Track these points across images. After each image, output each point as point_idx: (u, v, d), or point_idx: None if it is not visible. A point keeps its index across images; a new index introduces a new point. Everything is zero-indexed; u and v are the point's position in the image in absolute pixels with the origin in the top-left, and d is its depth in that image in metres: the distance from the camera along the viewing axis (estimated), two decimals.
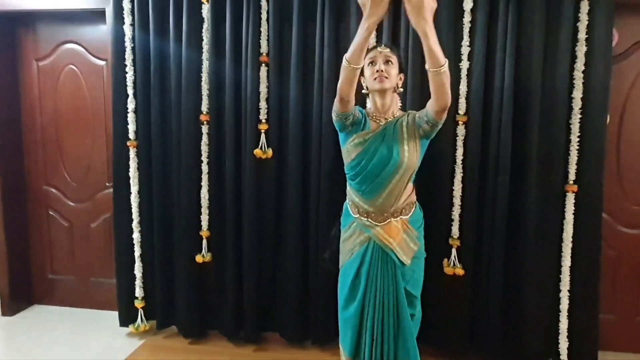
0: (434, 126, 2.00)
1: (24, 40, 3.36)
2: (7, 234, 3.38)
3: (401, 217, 2.07)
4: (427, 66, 1.82)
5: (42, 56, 3.35)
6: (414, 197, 2.15)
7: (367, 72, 2.05)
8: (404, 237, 2.06)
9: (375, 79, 2.00)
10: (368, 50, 2.01)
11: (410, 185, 2.11)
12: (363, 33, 1.79)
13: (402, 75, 2.11)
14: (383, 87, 2.01)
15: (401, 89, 2.13)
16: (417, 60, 2.61)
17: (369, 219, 2.06)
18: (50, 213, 3.51)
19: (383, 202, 2.04)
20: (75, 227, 3.49)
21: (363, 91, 2.14)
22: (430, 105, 1.94)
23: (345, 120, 2.03)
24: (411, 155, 2.01)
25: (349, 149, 2.06)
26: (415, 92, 2.65)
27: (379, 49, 2.04)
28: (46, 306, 3.59)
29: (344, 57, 1.88)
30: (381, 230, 2.05)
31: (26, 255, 3.54)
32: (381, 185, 2.01)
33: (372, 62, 2.03)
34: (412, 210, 2.13)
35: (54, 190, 3.48)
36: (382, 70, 1.98)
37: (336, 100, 1.98)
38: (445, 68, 1.80)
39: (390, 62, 2.03)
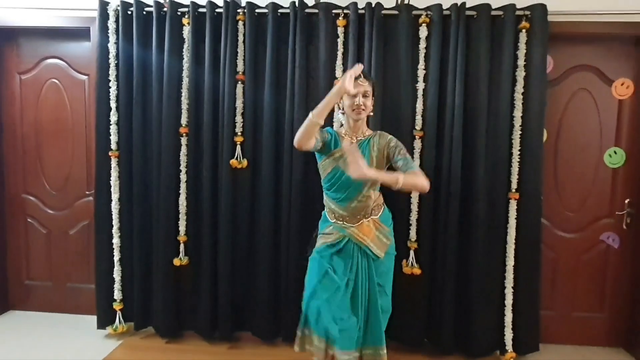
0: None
1: (8, 55, 3.50)
2: None
3: (372, 217, 2.35)
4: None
5: (25, 70, 3.50)
6: (381, 200, 2.45)
7: (346, 101, 2.31)
8: (376, 234, 2.33)
9: (354, 110, 2.29)
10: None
11: (377, 190, 2.41)
12: (334, 98, 2.12)
13: (374, 99, 2.39)
14: (360, 118, 2.34)
15: (372, 113, 2.43)
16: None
17: (344, 222, 2.34)
18: (29, 220, 3.62)
19: (355, 206, 2.32)
20: (53, 234, 3.61)
21: (339, 111, 2.45)
22: (411, 182, 2.21)
23: (313, 148, 2.29)
24: (378, 166, 2.31)
25: (325, 165, 2.34)
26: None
27: (359, 81, 2.27)
28: (22, 311, 3.67)
29: (311, 112, 2.13)
30: (356, 230, 2.32)
31: (3, 261, 3.63)
32: (353, 194, 2.29)
33: (351, 94, 2.25)
34: (381, 211, 2.42)
35: (32, 199, 3.60)
36: (360, 105, 2.28)
37: (295, 144, 2.23)
38: (400, 183, 2.11)
39: (367, 95, 2.31)
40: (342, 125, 2.51)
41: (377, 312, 2.29)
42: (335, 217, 2.38)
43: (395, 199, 2.99)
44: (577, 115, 3.17)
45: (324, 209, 2.51)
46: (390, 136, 2.39)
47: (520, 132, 2.91)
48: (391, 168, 2.41)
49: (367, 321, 2.29)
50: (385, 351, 2.31)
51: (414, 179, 2.18)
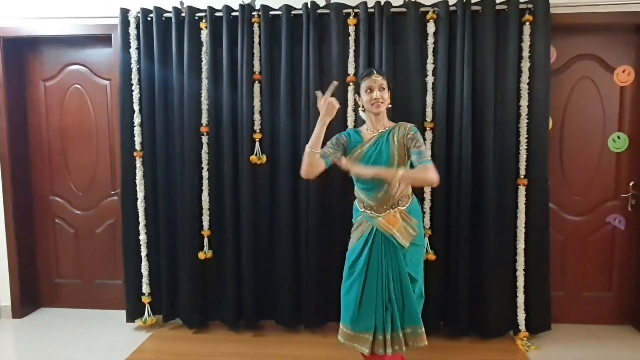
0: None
1: (32, 63, 3.66)
2: (17, 242, 3.63)
3: (398, 207, 2.40)
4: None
5: (49, 77, 3.66)
6: (408, 190, 2.47)
7: (364, 97, 2.42)
8: (402, 225, 2.37)
9: (372, 104, 2.39)
10: (363, 77, 2.43)
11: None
12: (320, 127, 2.31)
13: (390, 92, 2.48)
14: (379, 111, 2.43)
15: (390, 105, 2.49)
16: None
17: (372, 211, 2.42)
18: (57, 221, 3.78)
19: (382, 196, 2.38)
20: (81, 233, 3.77)
21: (360, 109, 2.55)
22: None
23: (327, 166, 2.41)
24: (400, 159, 2.37)
25: (352, 158, 2.42)
26: None
27: (373, 77, 2.39)
28: (53, 308, 3.84)
29: (307, 145, 2.33)
30: (382, 220, 2.38)
31: (33, 261, 3.80)
32: (378, 183, 2.35)
33: (369, 89, 2.39)
34: (409, 202, 2.46)
35: (59, 200, 3.76)
36: (379, 98, 2.38)
37: (302, 176, 2.40)
38: (397, 178, 2.23)
39: (383, 88, 2.40)
40: (364, 122, 2.58)
41: (411, 295, 2.36)
42: (364, 206, 2.46)
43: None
44: (581, 103, 3.30)
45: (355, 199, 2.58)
46: (410, 125, 2.44)
47: (526, 121, 3.04)
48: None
49: (403, 304, 2.37)
50: (423, 330, 2.40)
51: (418, 174, 2.27)
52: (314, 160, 2.33)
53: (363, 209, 2.47)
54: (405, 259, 2.38)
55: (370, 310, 2.35)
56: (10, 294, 3.66)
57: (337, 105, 2.31)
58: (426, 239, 3.13)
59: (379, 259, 2.37)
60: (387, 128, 2.45)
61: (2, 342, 3.36)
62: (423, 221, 3.10)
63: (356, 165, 2.29)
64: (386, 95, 2.43)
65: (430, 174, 2.24)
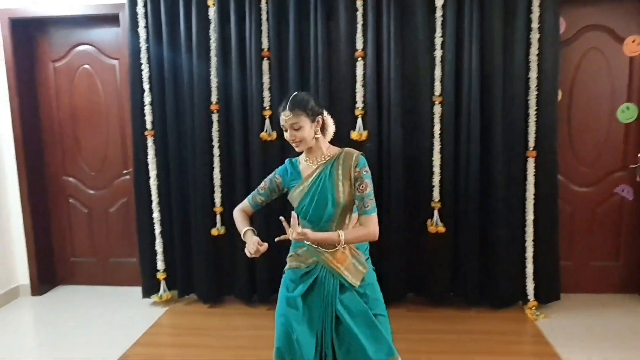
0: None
1: (41, 44, 3.67)
2: (33, 222, 3.70)
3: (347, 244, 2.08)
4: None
5: (58, 58, 3.68)
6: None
7: (285, 134, 2.04)
8: (352, 262, 2.09)
9: (292, 144, 2.03)
10: (279, 111, 2.03)
11: (355, 215, 2.12)
12: (242, 234, 2.10)
13: (319, 119, 2.04)
14: (302, 150, 2.06)
15: (320, 135, 2.04)
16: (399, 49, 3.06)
17: (319, 247, 2.08)
18: (70, 201, 3.84)
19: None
20: (94, 212, 3.84)
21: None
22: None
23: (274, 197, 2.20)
24: (347, 195, 2.03)
25: (294, 198, 2.10)
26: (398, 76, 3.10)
27: (283, 116, 2.00)
28: (70, 286, 3.93)
29: (234, 212, 2.25)
30: (330, 257, 2.06)
31: (50, 241, 3.88)
32: (326, 224, 2.05)
33: (284, 128, 2.03)
34: None
35: (72, 180, 3.82)
36: (294, 138, 2.00)
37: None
38: (342, 244, 1.93)
39: (299, 127, 1.99)
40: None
41: (357, 337, 2.02)
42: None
43: (417, 163, 3.18)
44: (590, 74, 3.30)
45: None
46: (357, 156, 2.05)
47: (535, 93, 3.05)
48: None
49: (347, 350, 2.04)
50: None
51: (361, 234, 1.98)
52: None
53: (309, 243, 2.08)
54: (363, 299, 2.08)
55: (305, 351, 2.03)
56: (29, 272, 3.74)
57: (262, 251, 2.01)
58: (435, 212, 3.17)
59: (321, 299, 2.06)
60: (327, 158, 2.07)
61: (23, 319, 3.46)
62: (432, 195, 3.16)
63: (301, 234, 1.88)
64: (304, 132, 1.99)
65: (371, 231, 1.97)
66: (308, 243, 2.10)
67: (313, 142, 2.05)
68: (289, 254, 2.22)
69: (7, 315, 3.47)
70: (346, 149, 2.09)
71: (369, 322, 2.05)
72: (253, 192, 2.22)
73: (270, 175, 2.18)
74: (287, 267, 2.21)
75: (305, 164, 2.09)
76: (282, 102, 2.03)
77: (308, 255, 2.11)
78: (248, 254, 1.99)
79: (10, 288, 3.71)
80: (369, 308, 2.07)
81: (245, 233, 2.11)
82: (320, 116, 2.07)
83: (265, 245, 2.00)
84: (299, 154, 2.10)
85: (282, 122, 2.02)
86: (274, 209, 2.83)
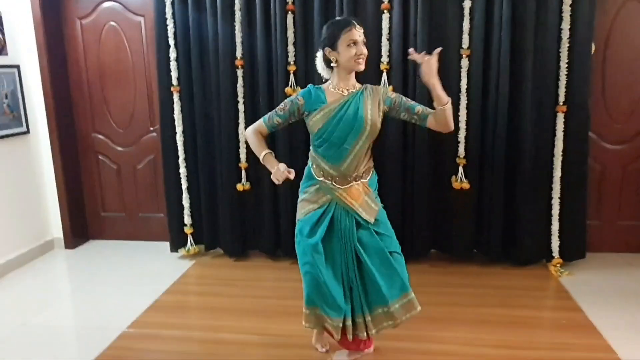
0: (413, 123, 2.18)
1: (67, 1, 3.69)
2: (64, 178, 3.81)
3: (362, 180, 2.14)
4: (435, 105, 2.05)
5: (84, 15, 3.70)
6: (371, 163, 2.22)
7: (346, 52, 2.03)
8: (365, 199, 2.13)
9: (356, 60, 2.04)
10: (342, 29, 2.02)
11: (370, 152, 2.19)
12: (261, 159, 2.16)
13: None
14: (362, 69, 2.09)
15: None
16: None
17: (333, 182, 2.12)
18: (100, 158, 3.93)
19: (347, 167, 2.09)
20: (123, 169, 3.92)
21: (332, 64, 2.09)
22: (431, 124, 2.09)
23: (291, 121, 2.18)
24: (374, 119, 2.07)
25: (315, 122, 2.09)
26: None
27: (356, 30, 2.02)
28: (101, 240, 4.07)
29: (247, 132, 2.24)
30: (344, 193, 2.10)
31: (81, 196, 3.99)
32: (347, 150, 2.07)
33: (353, 43, 2.02)
34: (370, 175, 2.20)
35: (101, 137, 3.89)
36: (365, 53, 2.05)
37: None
38: (449, 106, 2.03)
39: (365, 43, 2.07)
40: (325, 81, 2.20)
41: (373, 276, 2.11)
42: (324, 175, 2.14)
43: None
44: (627, 25, 3.17)
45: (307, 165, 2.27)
46: (380, 87, 2.20)
47: (567, 45, 2.95)
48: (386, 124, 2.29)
49: (365, 286, 2.14)
50: (411, 296, 2.15)
51: (450, 114, 2.06)
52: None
53: (322, 178, 2.14)
54: (374, 226, 2.15)
55: (335, 293, 2.11)
56: (62, 226, 3.88)
57: (291, 177, 2.05)
58: (460, 168, 3.15)
59: (340, 237, 2.13)
60: (356, 88, 2.14)
61: (58, 271, 3.62)
62: (458, 151, 3.12)
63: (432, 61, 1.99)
64: (366, 50, 2.08)
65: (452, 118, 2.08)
66: (320, 179, 2.14)
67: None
68: (299, 199, 2.26)
69: (43, 266, 3.63)
70: (366, 84, 2.16)
71: (385, 260, 2.14)
72: (270, 113, 2.18)
73: (291, 97, 2.17)
74: (299, 216, 2.25)
75: (333, 92, 2.11)
76: (339, 21, 2.08)
77: (321, 194, 2.16)
78: (275, 181, 2.04)
79: (46, 241, 3.86)
80: (385, 246, 2.15)
81: (264, 157, 2.14)
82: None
83: (293, 172, 2.05)
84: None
85: (352, 37, 2.01)
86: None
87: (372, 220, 2.13)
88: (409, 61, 3.09)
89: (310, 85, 2.17)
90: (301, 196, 2.25)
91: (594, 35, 3.01)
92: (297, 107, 2.12)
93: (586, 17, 2.92)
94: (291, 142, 3.27)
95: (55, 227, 3.90)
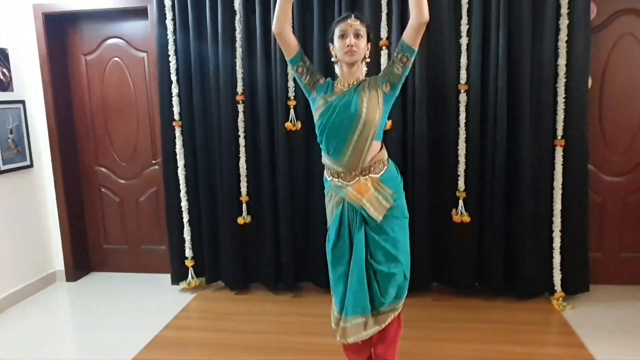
0: (407, 60, 2.06)
1: (72, 38, 3.78)
2: (67, 211, 3.83)
3: (370, 175, 2.12)
4: None
5: (89, 51, 3.78)
6: (383, 156, 2.18)
7: (337, 43, 2.10)
8: (374, 194, 2.10)
9: (345, 52, 2.07)
10: (338, 22, 2.13)
11: (377, 143, 2.15)
12: None
13: (369, 45, 2.16)
14: (353, 61, 2.10)
15: (368, 59, 2.19)
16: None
17: (340, 179, 2.14)
18: (103, 190, 3.97)
19: (349, 160, 2.09)
20: (125, 201, 3.95)
21: (332, 59, 2.21)
22: (407, 27, 2.04)
23: (300, 74, 2.19)
24: (370, 108, 2.06)
25: (316, 110, 2.15)
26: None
27: (349, 21, 2.07)
28: (103, 273, 4.07)
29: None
30: (351, 189, 2.11)
31: (83, 229, 4.02)
32: (344, 141, 2.07)
33: (343, 35, 2.07)
34: (384, 170, 2.16)
35: (104, 170, 3.93)
36: (352, 45, 2.05)
37: (273, 29, 2.15)
38: None
39: (360, 36, 2.08)
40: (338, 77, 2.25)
41: (362, 282, 2.12)
42: (332, 174, 2.18)
43: (442, 152, 3.16)
44: (623, 60, 3.21)
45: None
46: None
47: (564, 80, 2.98)
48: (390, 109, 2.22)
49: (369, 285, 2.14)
50: (361, 321, 2.14)
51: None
52: (286, 5, 2.08)
53: (331, 178, 2.19)
54: (382, 234, 2.13)
55: (335, 293, 2.24)
56: (64, 259, 3.89)
57: None
58: (460, 201, 3.15)
59: (347, 235, 2.17)
60: (359, 81, 2.15)
61: (59, 303, 3.62)
62: (457, 184, 3.13)
63: None
64: (362, 44, 2.10)
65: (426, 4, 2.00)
66: (330, 178, 2.20)
67: (359, 63, 2.14)
68: (325, 201, 2.34)
69: (44, 300, 3.63)
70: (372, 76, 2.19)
71: (359, 272, 2.13)
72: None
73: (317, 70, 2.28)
74: (328, 219, 2.34)
75: (338, 86, 2.17)
76: (338, 18, 2.16)
77: (334, 194, 2.23)
78: None
79: (48, 273, 3.86)
80: (365, 257, 2.13)
81: None
82: (370, 43, 2.17)
83: None
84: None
85: (343, 28, 2.07)
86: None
87: (379, 218, 2.10)
88: (407, 95, 3.14)
89: (328, 79, 2.26)
90: (325, 201, 2.34)
91: (590, 70, 3.04)
92: (316, 74, 2.22)
93: (582, 52, 2.95)
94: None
95: (57, 260, 3.91)
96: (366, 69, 2.23)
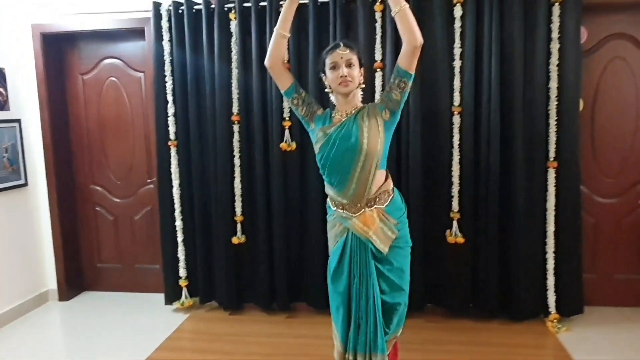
0: (405, 85, 2.03)
1: (70, 57, 3.81)
2: (61, 229, 3.82)
3: (376, 206, 2.09)
4: (392, 12, 1.99)
5: (86, 71, 3.81)
6: (389, 186, 2.16)
7: (329, 74, 2.09)
8: (380, 226, 2.07)
9: (340, 83, 2.05)
10: (328, 52, 2.11)
11: (381, 172, 2.12)
12: (287, 4, 2.06)
13: (362, 70, 2.13)
14: (348, 91, 2.08)
15: (363, 85, 2.18)
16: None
17: (345, 211, 2.11)
18: (97, 209, 3.96)
19: (354, 192, 2.07)
20: (120, 220, 3.94)
21: (326, 90, 2.21)
22: (401, 53, 2.01)
23: (296, 106, 2.19)
24: (371, 138, 2.03)
25: (317, 141, 2.12)
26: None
27: (339, 51, 2.05)
28: (96, 292, 4.04)
29: (275, 27, 2.12)
30: (357, 221, 2.07)
31: (77, 247, 4.00)
32: (347, 174, 2.04)
33: (335, 66, 2.06)
34: (389, 200, 2.14)
35: (99, 189, 3.93)
36: (345, 76, 2.04)
37: (265, 63, 2.17)
38: (406, 7, 1.94)
39: (352, 64, 2.06)
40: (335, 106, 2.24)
41: (379, 317, 2.08)
42: (336, 205, 2.16)
43: (436, 173, 3.18)
44: (613, 83, 3.25)
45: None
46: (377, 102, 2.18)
47: (556, 103, 3.02)
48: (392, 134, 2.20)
49: (376, 324, 2.08)
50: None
51: (412, 18, 1.97)
52: (279, 42, 2.08)
53: (335, 208, 2.17)
54: (386, 264, 2.11)
55: (336, 323, 2.19)
56: (57, 278, 3.86)
57: None
58: (455, 222, 3.16)
59: (358, 269, 2.11)
60: (355, 110, 2.13)
61: (51, 323, 3.59)
62: (452, 206, 3.14)
63: None
64: (355, 72, 2.07)
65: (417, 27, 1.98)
66: (334, 209, 2.16)
67: (355, 90, 2.11)
68: (328, 227, 2.29)
69: (36, 320, 3.59)
70: (371, 103, 2.17)
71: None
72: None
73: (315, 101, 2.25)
74: (330, 248, 2.28)
75: (335, 116, 2.15)
76: (327, 48, 2.14)
77: (338, 224, 2.17)
78: None
79: (40, 293, 3.83)
80: (389, 277, 2.10)
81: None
82: (363, 68, 2.15)
83: None
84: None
85: (333, 60, 2.05)
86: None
87: (385, 250, 2.08)
88: (402, 117, 3.14)
89: (328, 109, 2.24)
90: (327, 228, 2.29)
91: (582, 93, 3.08)
92: (313, 106, 2.21)
93: (573, 75, 3.00)
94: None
95: (50, 279, 3.89)
96: (362, 93, 2.24)
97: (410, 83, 2.06)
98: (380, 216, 2.09)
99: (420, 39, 1.99)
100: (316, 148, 2.15)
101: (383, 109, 2.10)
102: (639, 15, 3.17)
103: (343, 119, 2.11)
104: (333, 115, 2.17)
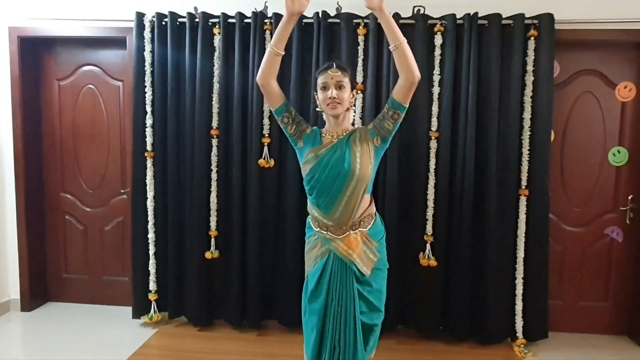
0: (398, 117, 2.06)
1: (47, 62, 3.74)
2: (27, 237, 3.71)
3: (360, 229, 2.10)
4: (390, 47, 1.99)
5: (63, 77, 3.74)
6: (372, 209, 2.18)
7: (320, 95, 2.10)
8: (363, 249, 2.08)
9: (328, 104, 2.06)
10: (320, 72, 2.12)
11: (367, 197, 2.14)
12: (285, 23, 2.00)
13: (354, 93, 2.14)
14: (336, 114, 2.09)
15: (354, 108, 2.21)
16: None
17: (329, 232, 2.10)
18: (67, 218, 3.86)
19: (340, 215, 2.07)
20: (90, 230, 3.85)
21: (317, 109, 2.22)
22: (397, 86, 2.04)
23: (285, 125, 2.17)
24: (363, 164, 2.04)
25: (306, 163, 2.11)
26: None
27: (330, 72, 2.05)
28: (61, 303, 3.91)
29: (269, 44, 2.08)
30: (341, 243, 2.07)
31: (43, 256, 3.88)
32: (336, 197, 2.04)
33: (325, 87, 2.06)
34: (372, 223, 2.16)
35: (70, 197, 3.84)
36: (334, 97, 2.04)
37: (257, 80, 2.13)
38: (405, 43, 1.95)
39: (342, 87, 2.05)
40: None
41: (359, 338, 2.08)
42: (319, 226, 2.14)
43: (412, 196, 3.22)
44: (583, 117, 3.38)
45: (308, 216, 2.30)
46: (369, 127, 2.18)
47: (529, 133, 3.12)
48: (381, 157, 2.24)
49: (355, 346, 2.07)
50: None
51: (410, 54, 1.99)
52: (272, 60, 2.04)
53: (318, 229, 2.14)
54: (366, 286, 2.12)
55: (307, 343, 2.17)
56: (20, 287, 3.74)
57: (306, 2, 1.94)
58: (428, 245, 3.20)
59: (337, 290, 2.09)
60: (346, 132, 2.14)
61: (11, 335, 3.45)
62: (426, 228, 3.19)
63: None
64: (346, 94, 2.08)
65: (415, 63, 2.00)
66: (317, 229, 2.13)
67: (345, 112, 2.12)
68: (305, 249, 2.24)
69: None
70: (362, 126, 2.19)
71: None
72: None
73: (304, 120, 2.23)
74: (307, 269, 2.24)
75: (326, 136, 2.14)
76: (320, 67, 2.14)
77: (320, 244, 2.14)
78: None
79: (1, 302, 3.69)
80: (368, 299, 2.11)
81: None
82: (355, 90, 2.17)
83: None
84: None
85: (324, 80, 2.05)
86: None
87: (367, 273, 2.09)
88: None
89: (315, 127, 2.24)
90: (306, 247, 2.24)
91: (553, 124, 3.19)
92: (302, 125, 2.19)
93: (545, 107, 3.10)
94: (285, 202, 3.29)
95: (12, 288, 3.75)
96: (353, 115, 2.25)
97: (403, 115, 2.10)
98: (363, 239, 2.10)
99: (418, 75, 2.03)
100: (305, 168, 2.12)
101: (375, 135, 2.12)
102: (608, 53, 3.32)
103: (334, 141, 2.11)
104: (323, 135, 2.17)
